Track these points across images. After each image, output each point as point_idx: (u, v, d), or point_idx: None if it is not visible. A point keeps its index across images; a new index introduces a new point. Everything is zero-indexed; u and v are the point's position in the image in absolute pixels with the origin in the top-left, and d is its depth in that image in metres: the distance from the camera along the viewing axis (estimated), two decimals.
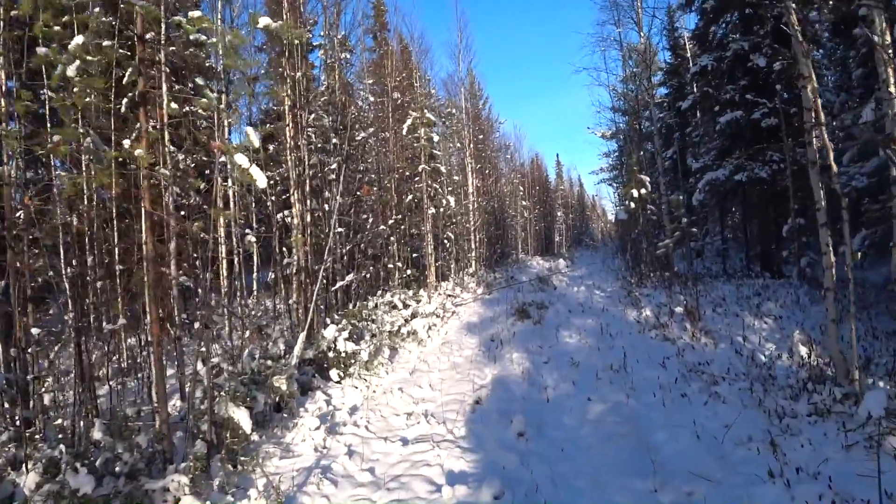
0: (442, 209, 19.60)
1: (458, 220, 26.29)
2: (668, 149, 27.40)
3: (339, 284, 11.75)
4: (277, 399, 7.96)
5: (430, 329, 13.72)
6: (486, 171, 32.94)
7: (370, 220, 15.09)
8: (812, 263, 14.41)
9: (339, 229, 12.63)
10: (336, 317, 11.60)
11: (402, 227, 17.43)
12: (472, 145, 27.81)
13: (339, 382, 9.81)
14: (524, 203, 45.38)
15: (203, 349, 7.01)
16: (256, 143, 5.66)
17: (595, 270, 29.67)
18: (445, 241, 21.03)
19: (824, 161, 6.55)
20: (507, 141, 44.75)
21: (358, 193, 14.83)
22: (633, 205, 17.07)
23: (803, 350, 8.84)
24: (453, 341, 13.05)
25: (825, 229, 6.69)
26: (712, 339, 10.03)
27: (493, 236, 34.04)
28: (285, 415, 8.11)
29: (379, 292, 15.02)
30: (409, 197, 18.57)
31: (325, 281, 12.63)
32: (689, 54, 24.52)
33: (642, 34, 19.22)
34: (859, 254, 8.43)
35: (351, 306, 13.01)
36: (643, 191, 16.92)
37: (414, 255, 19.42)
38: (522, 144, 66.40)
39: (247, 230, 13.79)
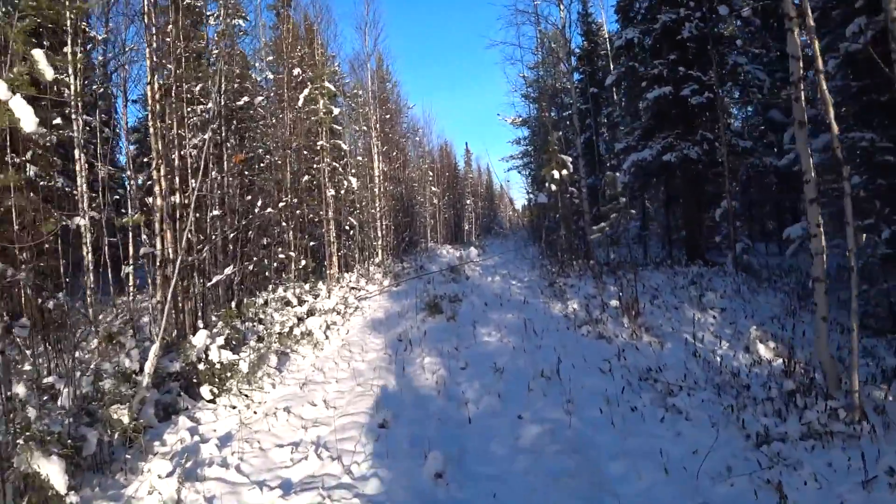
0: (343, 192, 17.78)
1: (364, 207, 24.49)
2: (581, 135, 26.64)
3: (215, 279, 9.85)
4: (118, 434, 6.10)
5: (329, 328, 12.02)
6: (394, 155, 31.22)
7: (259, 203, 13.16)
8: (747, 250, 13.65)
9: (216, 212, 10.70)
10: (214, 318, 9.70)
11: (299, 211, 15.53)
12: (378, 125, 26.04)
13: (212, 401, 8.03)
14: (434, 189, 43.95)
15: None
16: (49, 74, 3.85)
17: (508, 259, 28.59)
18: (347, 228, 19.21)
19: (823, 120, 5.30)
20: (417, 125, 43.12)
21: (240, 169, 12.87)
22: (553, 187, 15.85)
23: (762, 348, 7.75)
24: (355, 342, 11.41)
25: (815, 206, 5.49)
26: (656, 337, 8.84)
27: (401, 224, 32.41)
28: (134, 452, 6.26)
29: (270, 286, 13.14)
30: (307, 178, 16.61)
31: (201, 276, 10.70)
32: (606, 34, 23.68)
33: (562, 5, 17.96)
34: (864, 236, 7.28)
35: (234, 305, 11.12)
36: (564, 172, 15.76)
37: (312, 243, 17.52)
38: (432, 129, 65.14)
39: (79, 214, 11.64)
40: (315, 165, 16.66)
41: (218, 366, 8.33)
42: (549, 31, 25.10)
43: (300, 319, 11.73)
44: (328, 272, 16.29)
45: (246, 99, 12.87)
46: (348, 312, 13.86)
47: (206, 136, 9.33)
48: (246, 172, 13.88)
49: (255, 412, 7.69)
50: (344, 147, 16.58)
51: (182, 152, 9.49)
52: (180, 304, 9.74)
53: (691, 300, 10.80)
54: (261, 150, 16.38)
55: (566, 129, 29.99)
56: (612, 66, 27.75)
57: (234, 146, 15.02)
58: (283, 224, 15.07)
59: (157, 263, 9.06)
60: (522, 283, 16.76)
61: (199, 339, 8.30)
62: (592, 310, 10.62)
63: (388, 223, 27.17)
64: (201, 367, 8.23)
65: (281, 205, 13.90)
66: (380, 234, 25.32)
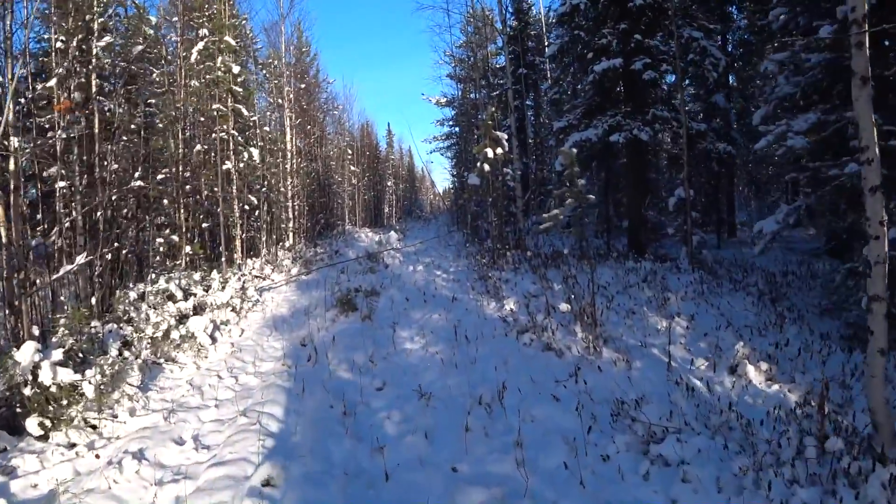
0: (242, 165, 15.57)
1: (274, 184, 22.17)
2: (513, 114, 25.30)
3: (63, 270, 7.69)
4: None
5: (219, 329, 10.03)
6: (309, 129, 28.83)
7: (137, 175, 10.85)
8: (703, 244, 12.42)
9: (61, 184, 8.46)
10: (64, 320, 7.55)
11: (189, 186, 13.27)
12: (291, 95, 23.73)
13: (43, 437, 6.05)
14: (353, 169, 41.68)
15: None
16: None
17: (431, 245, 26.91)
18: (247, 208, 16.97)
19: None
20: (337, 103, 40.53)
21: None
22: (487, 167, 14.20)
23: (752, 371, 6.36)
24: (249, 347, 9.49)
25: (878, 197, 4.01)
26: (618, 352, 7.33)
27: (316, 205, 30.16)
28: None
29: (150, 276, 10.96)
30: (199, 148, 14.29)
31: (50, 265, 8.51)
32: (541, 8, 22.21)
33: None
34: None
35: (95, 301, 8.94)
36: (499, 151, 14.15)
37: (206, 225, 15.26)
38: (353, 107, 62.60)
39: None
40: (213, 135, 14.41)
41: (54, 388, 6.30)
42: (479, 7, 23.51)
43: (181, 318, 9.69)
44: (224, 258, 14.07)
45: (108, 39, 10.52)
46: (246, 308, 11.85)
47: (50, 84, 7.16)
48: (126, 139, 11.58)
49: (97, 455, 5.72)
50: (245, 113, 14.33)
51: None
52: (16, 304, 7.56)
53: (650, 303, 9.38)
54: (155, 117, 14.02)
55: (495, 109, 28.54)
56: (546, 42, 26.43)
57: (124, 112, 12.66)
58: (168, 201, 12.82)
59: None
60: (448, 275, 15.11)
61: (24, 353, 6.22)
62: (535, 313, 9.04)
63: (301, 203, 24.95)
64: (28, 391, 6.17)
65: (160, 177, 11.61)
66: (291, 215, 23.10)
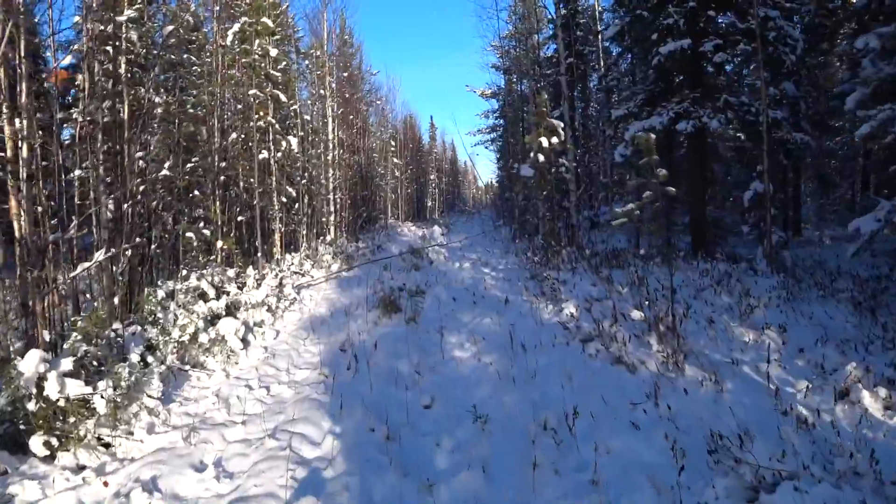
0: (279, 155, 14.83)
1: (314, 176, 21.49)
2: (557, 108, 24.32)
3: (80, 268, 7.00)
4: None
5: (252, 331, 9.29)
6: (352, 119, 28.13)
7: (167, 165, 10.17)
8: (783, 243, 11.25)
9: (78, 172, 7.76)
10: (79, 325, 6.87)
11: (224, 177, 12.56)
12: (334, 85, 23.06)
13: (49, 458, 5.38)
14: (396, 161, 40.93)
15: None
16: None
17: (476, 240, 26.09)
18: (284, 200, 16.23)
19: None
20: (380, 94, 39.74)
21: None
22: (541, 157, 13.21)
23: (867, 397, 5.32)
24: (284, 352, 8.74)
25: None
26: (703, 369, 6.31)
27: (358, 198, 29.50)
28: None
29: (181, 273, 10.31)
30: (234, 135, 13.58)
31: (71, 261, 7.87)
32: None
33: None
34: None
35: (118, 300, 8.27)
36: (554, 140, 13.16)
37: (240, 217, 14.57)
38: (396, 98, 61.86)
39: None
40: (249, 123, 13.70)
41: (62, 402, 5.61)
42: None
43: (213, 319, 8.99)
44: (261, 254, 13.35)
45: (130, 13, 9.84)
46: (282, 307, 11.12)
47: (65, 62, 6.48)
48: (157, 127, 10.91)
49: (105, 483, 5.00)
50: (283, 99, 13.57)
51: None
52: (30, 305, 6.91)
53: (731, 311, 8.31)
54: (189, 105, 13.40)
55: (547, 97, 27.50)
56: (598, 27, 25.25)
57: (156, 101, 12.07)
58: (205, 192, 12.14)
59: None
60: (497, 273, 14.23)
61: (29, 363, 5.53)
62: (600, 319, 8.06)
63: (343, 196, 24.28)
64: (32, 405, 5.48)
65: (189, 166, 10.90)
66: (332, 209, 22.43)
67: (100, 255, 6.89)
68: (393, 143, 40.94)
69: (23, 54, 6.76)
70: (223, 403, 6.70)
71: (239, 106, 14.27)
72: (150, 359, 7.36)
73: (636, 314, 7.75)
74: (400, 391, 6.64)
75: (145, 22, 11.49)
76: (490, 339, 8.38)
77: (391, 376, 7.14)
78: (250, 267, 12.15)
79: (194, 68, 14.05)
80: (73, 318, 6.86)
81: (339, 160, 23.25)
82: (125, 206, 9.12)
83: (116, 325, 7.72)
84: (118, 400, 6.02)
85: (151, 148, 10.22)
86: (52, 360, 5.81)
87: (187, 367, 7.69)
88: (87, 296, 9.76)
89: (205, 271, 10.43)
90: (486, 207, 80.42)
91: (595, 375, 6.53)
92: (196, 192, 11.46)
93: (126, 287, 9.04)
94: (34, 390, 5.52)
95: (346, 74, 26.94)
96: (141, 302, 8.52)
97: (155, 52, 12.06)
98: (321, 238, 21.34)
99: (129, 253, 8.48)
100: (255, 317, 10.31)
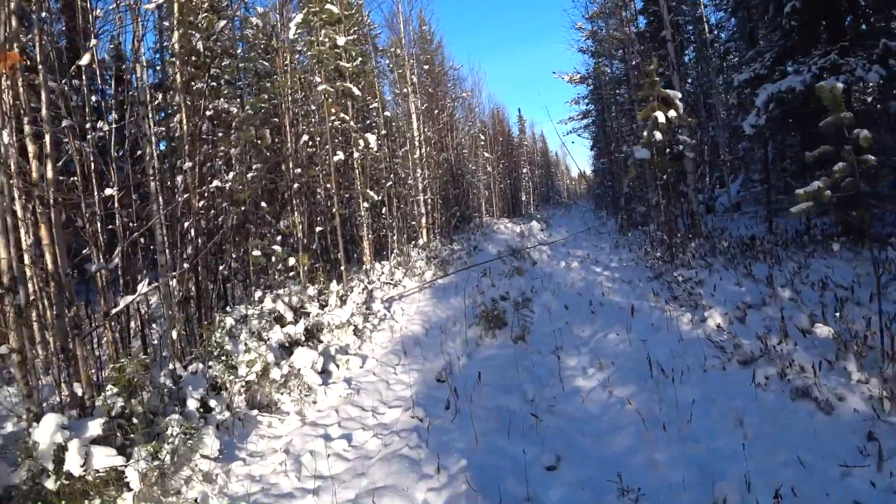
0: (358, 154, 13.54)
1: (402, 177, 20.28)
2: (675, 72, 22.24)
3: (123, 303, 5.88)
4: None
5: (334, 359, 8.04)
6: (437, 115, 26.81)
7: (230, 177, 9.06)
8: None
9: (110, 191, 6.64)
10: (129, 368, 5.76)
11: (298, 185, 11.35)
12: (416, 79, 21.82)
13: None
14: (487, 155, 39.36)
15: None
16: None
17: (579, 234, 24.25)
18: (367, 205, 14.96)
19: None
20: (465, 89, 38.16)
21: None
22: (658, 135, 11.34)
23: None
24: (370, 386, 7.42)
25: None
26: None
27: (450, 197, 28.18)
28: None
29: (257, 295, 9.20)
30: (307, 137, 12.38)
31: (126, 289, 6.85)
32: None
33: None
34: None
35: (176, 334, 7.20)
36: (672, 113, 11.31)
37: (319, 228, 13.38)
38: (482, 91, 60.39)
39: None
40: (322, 123, 12.43)
41: (90, 477, 4.49)
42: None
43: (291, 346, 7.81)
44: (342, 267, 12.12)
45: (222, 25, 8.81)
46: (370, 326, 9.86)
47: (83, 61, 5.39)
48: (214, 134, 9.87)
49: None
50: (356, 92, 12.29)
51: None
52: (71, 349, 5.89)
53: None
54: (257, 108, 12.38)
55: (629, 86, 25.55)
56: None
57: (236, 107, 11.15)
58: (276, 203, 11.03)
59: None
60: (612, 273, 12.51)
61: (44, 431, 4.43)
62: (764, 333, 6.27)
63: (434, 196, 23.01)
64: (51, 483, 4.37)
65: (252, 175, 9.69)
66: (423, 210, 21.17)
67: (143, 288, 5.78)
68: (483, 137, 39.38)
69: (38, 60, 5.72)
70: (294, 462, 5.40)
71: (313, 107, 13.14)
72: (212, 402, 6.23)
73: (821, 329, 5.88)
74: (513, 443, 5.15)
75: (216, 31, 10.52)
76: (619, 361, 6.78)
77: (500, 419, 5.65)
78: (334, 282, 10.98)
79: (260, 65, 13.07)
80: (113, 365, 5.76)
81: (426, 158, 21.98)
82: (186, 223, 8.07)
83: (174, 365, 6.63)
84: (164, 465, 4.85)
85: (221, 159, 9.22)
86: (75, 423, 4.69)
87: (255, 412, 6.49)
88: (154, 328, 8.82)
89: (281, 291, 9.28)
90: (582, 198, 77.86)
91: (774, 417, 4.82)
92: (263, 204, 10.29)
93: (192, 315, 8.00)
94: (51, 465, 4.41)
95: (427, 67, 25.65)
96: (204, 333, 7.40)
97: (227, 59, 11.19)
98: (413, 242, 20.12)
99: (191, 277, 7.41)
100: (340, 339, 9.11)
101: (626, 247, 16.93)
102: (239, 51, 12.61)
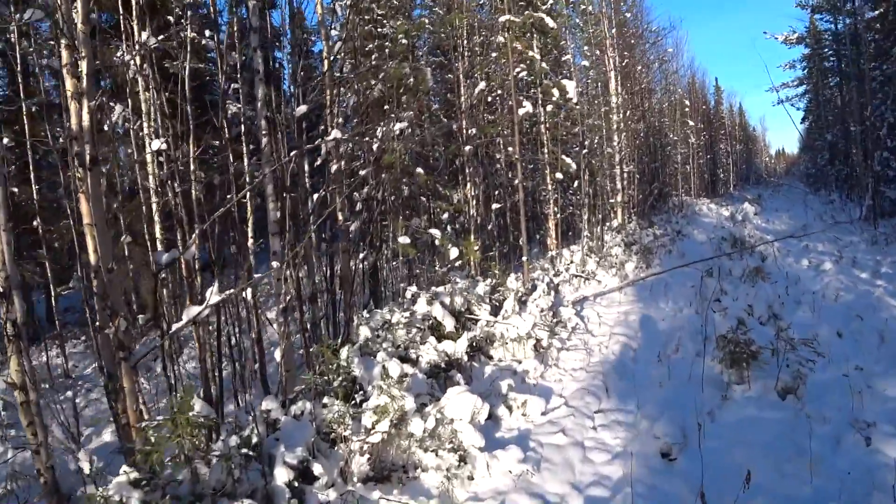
0: (551, 107, 10.73)
1: (596, 146, 17.21)
2: None
3: (187, 318, 3.77)
4: None
5: (507, 398, 5.62)
6: (635, 76, 23.16)
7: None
8: None
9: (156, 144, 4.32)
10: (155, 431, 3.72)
11: (471, 147, 8.83)
12: (613, 31, 18.58)
13: None
14: (691, 124, 34.67)
15: None
16: None
17: (806, 220, 19.88)
18: (560, 176, 12.04)
19: None
20: (665, 48, 33.27)
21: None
22: None
23: None
24: (555, 454, 4.93)
25: None
26: None
27: (647, 171, 24.60)
28: None
29: (409, 293, 6.99)
30: (483, 84, 9.64)
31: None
32: None
33: None
34: None
35: (282, 356, 5.12)
36: None
37: (495, 205, 10.75)
38: (683, 54, 54.42)
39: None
40: (511, 69, 9.71)
41: None
42: None
43: (447, 368, 5.54)
44: (523, 258, 9.50)
45: None
46: (556, 343, 7.33)
47: None
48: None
49: None
50: (551, 24, 9.51)
51: None
52: (118, 378, 3.99)
53: None
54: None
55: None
56: None
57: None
58: (436, 171, 8.66)
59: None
60: (889, 282, 9.03)
61: None
62: None
63: (631, 170, 19.75)
64: None
65: (399, 128, 7.17)
66: (619, 186, 18.06)
67: (214, 297, 3.71)
68: (686, 103, 34.74)
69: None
70: None
71: (493, 54, 10.51)
72: (317, 468, 4.08)
73: None
74: None
75: None
76: None
77: None
78: (511, 276, 8.54)
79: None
80: (144, 423, 3.70)
81: (624, 124, 18.74)
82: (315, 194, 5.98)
83: (270, 404, 4.54)
84: None
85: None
86: None
87: (376, 494, 4.22)
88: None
89: (441, 289, 6.98)
90: (782, 178, 69.61)
91: None
92: (420, 171, 7.79)
93: (318, 319, 5.92)
94: None
95: (627, 15, 22.02)
96: (323, 354, 5.22)
97: None
98: (606, 224, 17.11)
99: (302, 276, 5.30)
100: (517, 354, 6.73)
101: (887, 242, 12.93)
102: None
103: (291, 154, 5.09)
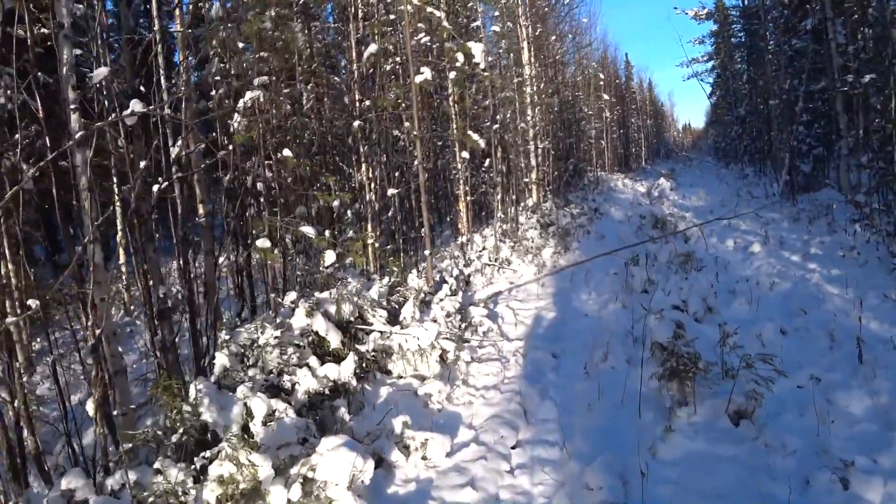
0: (455, 74, 9.58)
1: (507, 121, 16.16)
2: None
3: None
4: None
5: (404, 437, 4.49)
6: (548, 48, 22.21)
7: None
8: None
9: None
10: None
11: (360, 122, 7.60)
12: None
13: None
14: (606, 97, 34.13)
15: None
16: None
17: (722, 195, 19.58)
18: (464, 153, 10.92)
19: None
20: (579, 19, 32.24)
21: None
22: None
23: None
24: None
25: None
26: None
27: (562, 146, 23.82)
28: None
29: (287, 300, 5.75)
30: (375, 46, 8.19)
31: None
32: None
33: None
34: None
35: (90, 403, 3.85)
36: None
37: (392, 191, 9.51)
38: (596, 26, 54.02)
39: None
40: (407, 27, 8.40)
41: None
42: None
43: (332, 395, 4.41)
44: (426, 252, 8.31)
45: None
46: (465, 357, 6.26)
47: None
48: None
49: None
50: None
51: None
52: None
53: None
54: None
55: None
56: None
57: None
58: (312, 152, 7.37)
59: None
60: (821, 265, 8.46)
61: None
62: None
63: (546, 146, 18.86)
64: None
65: (250, 96, 5.82)
66: (534, 163, 17.16)
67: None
68: (602, 75, 34.16)
69: None
70: None
71: (392, 17, 9.24)
72: None
73: None
74: None
75: None
76: None
77: None
78: (413, 273, 7.40)
79: None
80: None
81: (538, 98, 17.77)
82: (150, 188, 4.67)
83: (74, 481, 3.27)
84: None
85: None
86: None
87: None
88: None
89: (325, 295, 5.76)
90: (693, 150, 71.54)
91: None
92: (287, 153, 6.44)
93: (168, 342, 4.62)
94: None
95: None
96: (164, 391, 3.95)
97: None
98: (521, 204, 16.16)
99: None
100: (419, 369, 5.66)
101: (810, 220, 12.49)
102: None
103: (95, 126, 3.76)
